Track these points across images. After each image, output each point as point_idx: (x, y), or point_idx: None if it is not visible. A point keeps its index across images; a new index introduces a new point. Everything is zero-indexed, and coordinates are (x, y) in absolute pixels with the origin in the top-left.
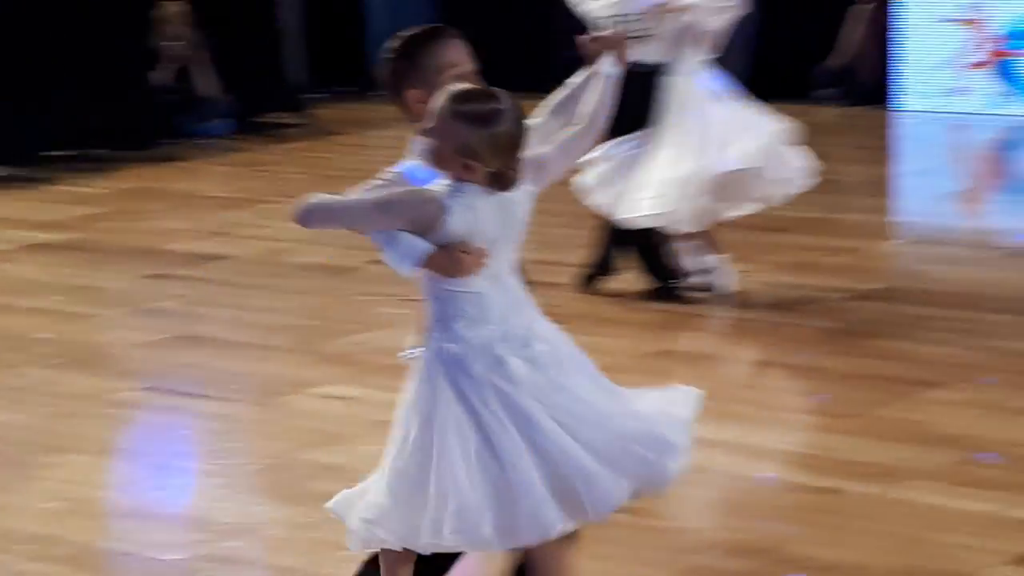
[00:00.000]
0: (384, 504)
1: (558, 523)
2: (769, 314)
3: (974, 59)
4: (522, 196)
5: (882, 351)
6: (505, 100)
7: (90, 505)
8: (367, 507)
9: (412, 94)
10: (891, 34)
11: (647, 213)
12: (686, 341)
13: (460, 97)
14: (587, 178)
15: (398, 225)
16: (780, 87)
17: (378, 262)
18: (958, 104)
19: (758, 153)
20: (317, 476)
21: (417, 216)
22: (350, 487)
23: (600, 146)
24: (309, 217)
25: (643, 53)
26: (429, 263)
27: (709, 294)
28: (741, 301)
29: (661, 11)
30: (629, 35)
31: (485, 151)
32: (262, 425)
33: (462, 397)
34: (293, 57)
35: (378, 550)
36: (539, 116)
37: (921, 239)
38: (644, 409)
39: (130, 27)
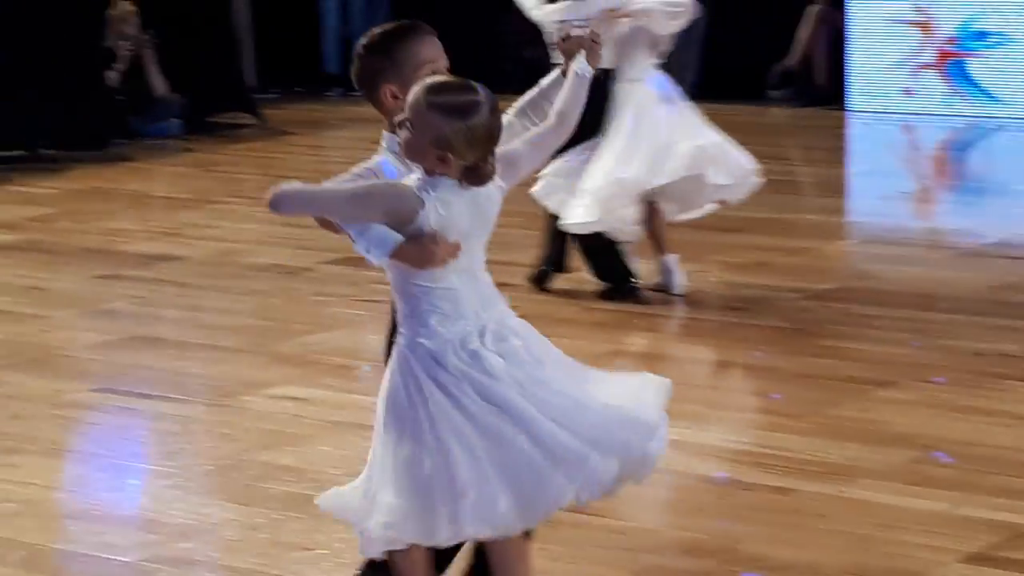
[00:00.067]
0: (397, 504)
1: (567, 492)
2: (722, 314)
3: (925, 60)
4: (494, 192)
5: (835, 351)
6: (481, 92)
7: (42, 506)
8: (382, 510)
9: (387, 89)
10: (843, 35)
11: (583, 220)
12: (639, 341)
13: (436, 89)
14: (538, 185)
15: (373, 217)
16: (734, 88)
17: (331, 263)
18: (909, 105)
19: (702, 159)
20: (270, 477)
21: (392, 209)
22: (314, 485)
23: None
24: (283, 203)
25: None
26: (400, 254)
27: (662, 294)
28: (694, 301)
29: (610, 17)
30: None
31: (461, 143)
32: (215, 426)
33: (443, 390)
34: (245, 57)
35: (377, 556)
36: (508, 115)
37: (873, 239)
38: (618, 394)
39: (84, 26)
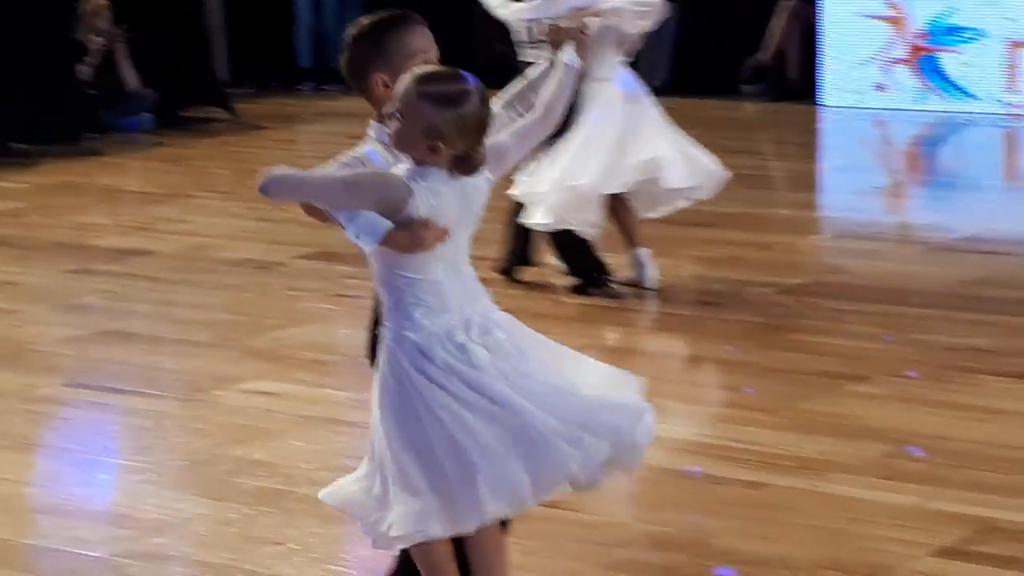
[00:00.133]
0: (419, 508)
1: (572, 460)
2: (694, 308)
3: (897, 55)
4: (482, 184)
5: (807, 345)
6: (472, 82)
7: (13, 501)
8: (405, 519)
9: (378, 78)
10: (815, 30)
11: (542, 221)
12: (611, 335)
13: (427, 78)
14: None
15: (362, 205)
16: (707, 83)
17: (304, 257)
18: (881, 100)
19: (654, 167)
20: (242, 472)
21: (382, 197)
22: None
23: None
24: (273, 187)
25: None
26: (390, 240)
27: (634, 288)
28: (666, 295)
29: (579, 15)
30: (544, 38)
31: (452, 132)
32: (187, 421)
33: (433, 382)
34: (218, 51)
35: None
36: (495, 107)
37: (845, 234)
38: (601, 383)
39: (56, 20)
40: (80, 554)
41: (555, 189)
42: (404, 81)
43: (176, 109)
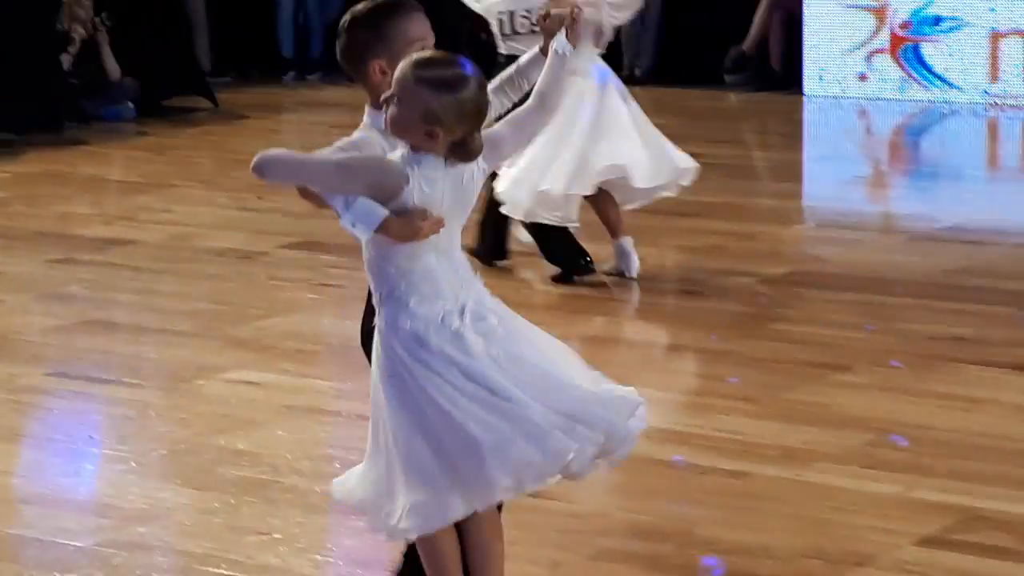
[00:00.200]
0: (424, 492)
1: (568, 450)
2: (677, 298)
3: (879, 45)
4: (477, 172)
5: (790, 335)
6: (469, 67)
7: None
8: (415, 507)
9: (376, 65)
10: (798, 20)
11: (518, 217)
12: (594, 324)
13: (424, 63)
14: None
15: (357, 189)
16: (690, 73)
17: (287, 247)
18: (864, 90)
19: (617, 171)
20: (226, 461)
21: (378, 182)
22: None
23: None
24: (268, 168)
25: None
26: (386, 228)
27: (617, 278)
28: (649, 285)
29: (554, 7)
30: (520, 31)
31: (449, 118)
32: (170, 410)
33: (429, 368)
34: (200, 41)
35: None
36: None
37: (828, 223)
38: (594, 376)
39: (38, 10)
40: (64, 544)
41: (529, 193)
42: (402, 67)
43: (159, 99)
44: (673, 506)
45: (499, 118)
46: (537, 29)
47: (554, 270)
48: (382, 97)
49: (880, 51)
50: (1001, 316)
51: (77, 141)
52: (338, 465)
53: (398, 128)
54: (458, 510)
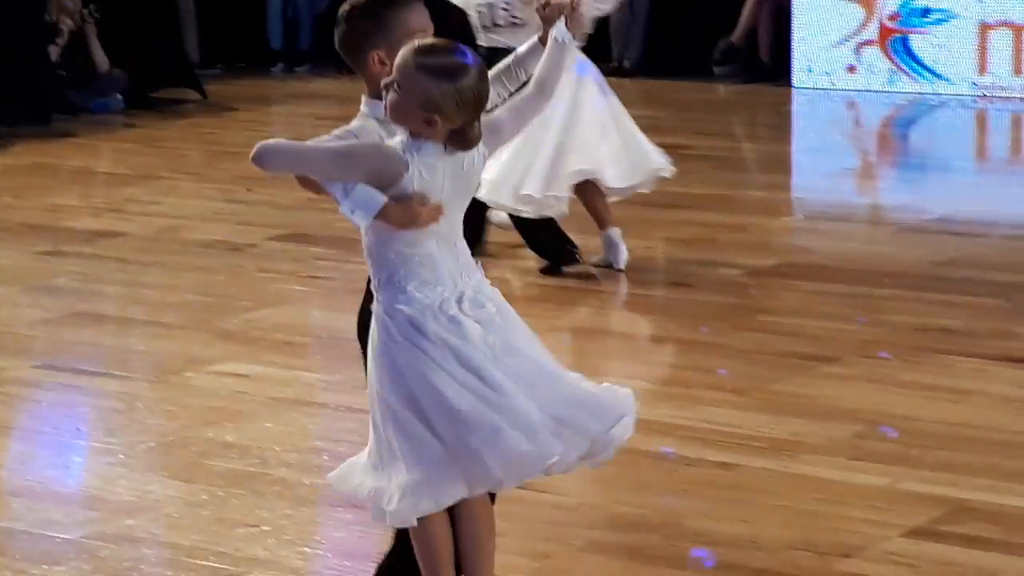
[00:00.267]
0: (420, 473)
1: (553, 451)
2: (666, 289)
3: (868, 37)
4: (477, 159)
5: (778, 326)
6: (470, 56)
7: None
8: (410, 487)
9: (376, 55)
10: (786, 12)
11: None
12: (582, 316)
13: (425, 51)
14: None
15: (356, 177)
16: (679, 64)
17: (275, 239)
18: (853, 81)
19: (588, 174)
20: (214, 453)
21: (377, 169)
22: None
23: None
24: (267, 157)
25: (516, 42)
26: (385, 214)
27: (606, 269)
28: (638, 276)
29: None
30: (500, 23)
31: (449, 106)
32: (158, 403)
33: (426, 354)
34: (188, 32)
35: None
36: None
37: (816, 215)
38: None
39: (26, 1)
40: (52, 536)
41: (511, 196)
42: (402, 54)
43: (147, 90)
44: (662, 498)
45: (493, 109)
46: (517, 21)
47: (542, 262)
48: (383, 83)
49: (869, 43)
50: (989, 307)
51: (65, 133)
52: (326, 457)
53: (397, 114)
54: (452, 492)
